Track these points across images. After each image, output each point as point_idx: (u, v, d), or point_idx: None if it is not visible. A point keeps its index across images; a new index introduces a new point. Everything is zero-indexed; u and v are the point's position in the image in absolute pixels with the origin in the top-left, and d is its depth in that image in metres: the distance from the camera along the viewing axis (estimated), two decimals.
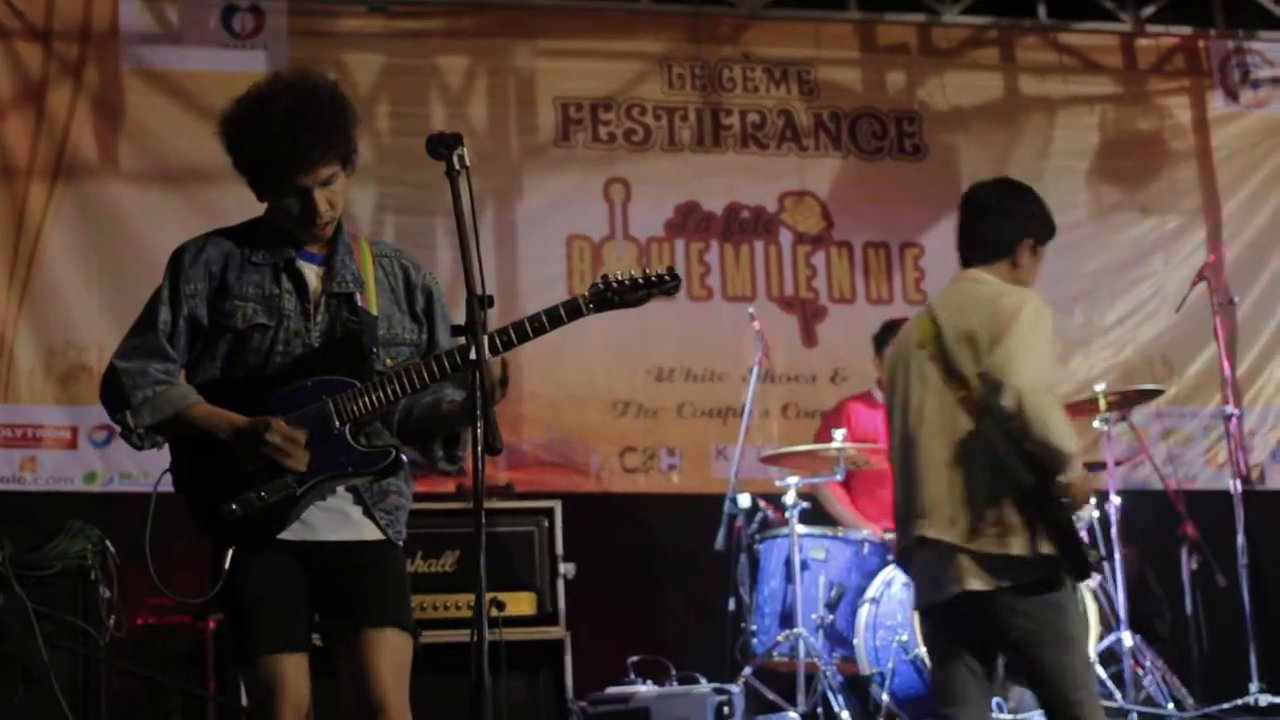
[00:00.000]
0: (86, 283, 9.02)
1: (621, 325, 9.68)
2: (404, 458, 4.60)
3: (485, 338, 4.19)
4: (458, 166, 4.27)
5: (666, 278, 4.65)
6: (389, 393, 4.52)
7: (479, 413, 4.04)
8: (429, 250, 9.23)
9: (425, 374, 4.51)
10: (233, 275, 4.64)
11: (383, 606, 4.58)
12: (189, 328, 4.63)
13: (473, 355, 4.13)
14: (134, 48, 9.38)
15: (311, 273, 4.69)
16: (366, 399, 4.52)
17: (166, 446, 4.64)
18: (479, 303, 4.16)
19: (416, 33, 9.81)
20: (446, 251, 9.37)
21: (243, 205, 4.78)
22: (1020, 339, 5.41)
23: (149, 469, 8.64)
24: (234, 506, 4.46)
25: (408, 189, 9.49)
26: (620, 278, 4.62)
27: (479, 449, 4.03)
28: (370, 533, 4.63)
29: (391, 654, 4.54)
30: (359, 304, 4.67)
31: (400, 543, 4.72)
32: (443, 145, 4.31)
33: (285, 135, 4.48)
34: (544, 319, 4.54)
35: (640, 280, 4.63)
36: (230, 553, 4.48)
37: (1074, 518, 5.41)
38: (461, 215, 4.20)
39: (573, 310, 4.57)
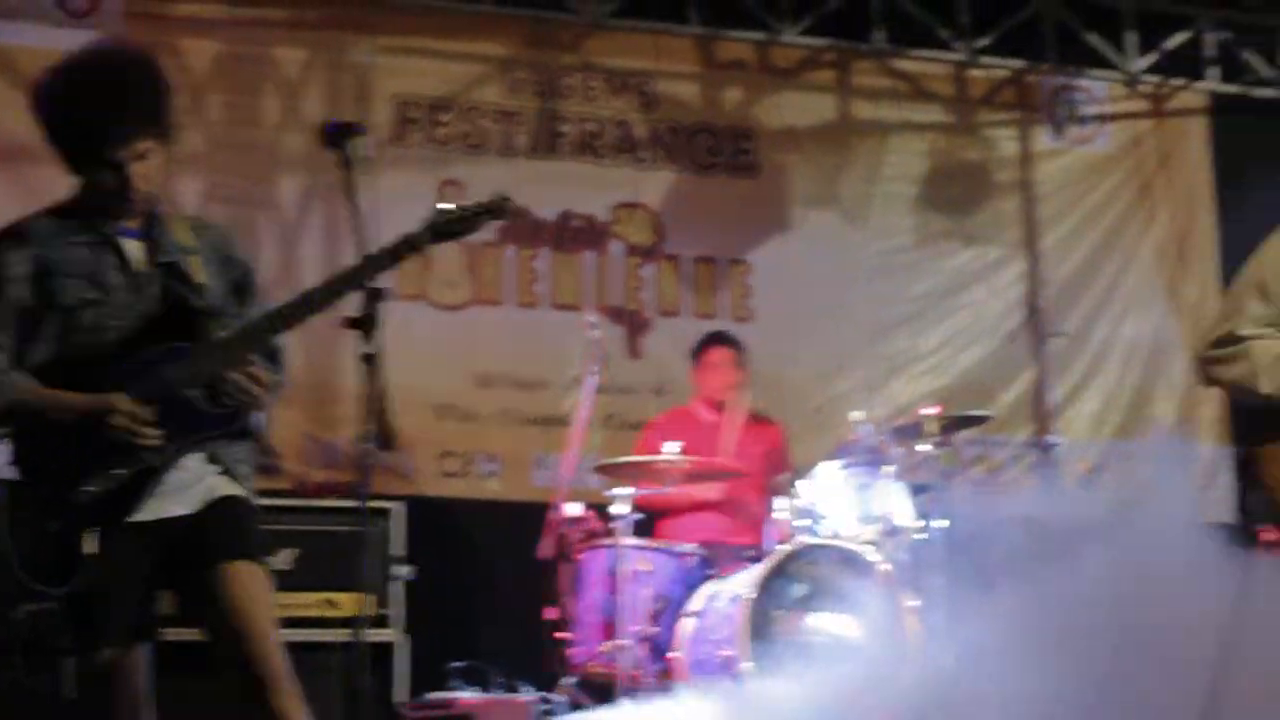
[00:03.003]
0: None
1: (447, 329, 9.72)
2: (259, 419, 4.57)
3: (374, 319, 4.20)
4: (355, 157, 4.24)
5: (498, 202, 4.67)
6: (228, 358, 4.46)
7: (374, 406, 4.03)
8: (254, 243, 9.10)
9: (264, 337, 4.48)
10: (55, 253, 4.53)
11: (231, 542, 4.54)
12: (14, 312, 4.50)
13: (368, 349, 4.12)
14: None
15: (134, 246, 4.61)
16: (207, 366, 4.45)
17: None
18: (374, 295, 4.15)
19: (255, 21, 9.60)
20: (271, 248, 9.28)
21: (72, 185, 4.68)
22: None
23: None
24: (90, 489, 4.36)
25: (238, 179, 9.33)
26: (450, 208, 4.61)
27: (369, 444, 4.02)
28: (229, 488, 4.59)
29: (246, 583, 4.49)
30: (186, 273, 4.60)
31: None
32: (341, 134, 4.28)
33: (93, 106, 4.42)
34: (386, 256, 4.51)
35: (472, 210, 4.63)
36: (84, 536, 4.37)
37: None
38: (356, 207, 4.16)
39: (412, 244, 4.56)
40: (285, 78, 9.68)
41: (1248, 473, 4.87)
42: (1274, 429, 4.78)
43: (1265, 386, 4.77)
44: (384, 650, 6.88)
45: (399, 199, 9.41)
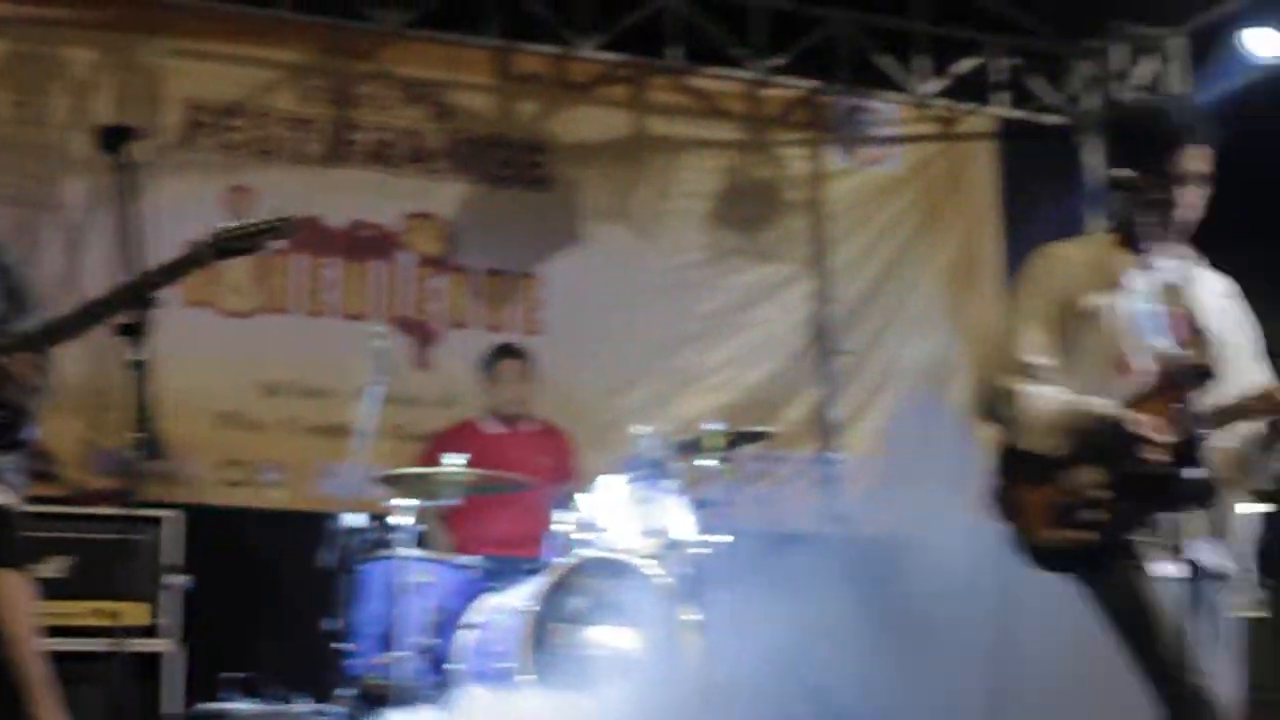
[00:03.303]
0: None
1: (234, 336, 9.62)
2: (33, 427, 4.55)
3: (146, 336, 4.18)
4: (127, 161, 4.23)
5: (278, 223, 4.71)
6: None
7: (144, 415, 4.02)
8: (38, 245, 8.99)
9: (42, 347, 4.46)
10: None
11: None
12: None
13: (137, 356, 4.11)
14: None
15: None
16: None
17: None
18: (147, 303, 4.14)
19: (44, 19, 9.45)
20: (56, 250, 9.14)
21: None
22: None
23: None
24: None
25: (23, 179, 9.20)
26: (233, 226, 4.65)
27: (139, 451, 4.01)
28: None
29: (6, 590, 4.57)
30: None
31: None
32: (118, 137, 4.26)
33: None
34: (167, 271, 4.51)
35: (254, 228, 4.64)
36: None
37: None
38: (129, 212, 4.15)
39: (194, 260, 4.56)
40: (74, 77, 9.52)
41: (1004, 506, 4.98)
42: (1025, 473, 4.89)
43: (1021, 443, 4.88)
44: (154, 660, 6.80)
45: (187, 203, 9.41)
